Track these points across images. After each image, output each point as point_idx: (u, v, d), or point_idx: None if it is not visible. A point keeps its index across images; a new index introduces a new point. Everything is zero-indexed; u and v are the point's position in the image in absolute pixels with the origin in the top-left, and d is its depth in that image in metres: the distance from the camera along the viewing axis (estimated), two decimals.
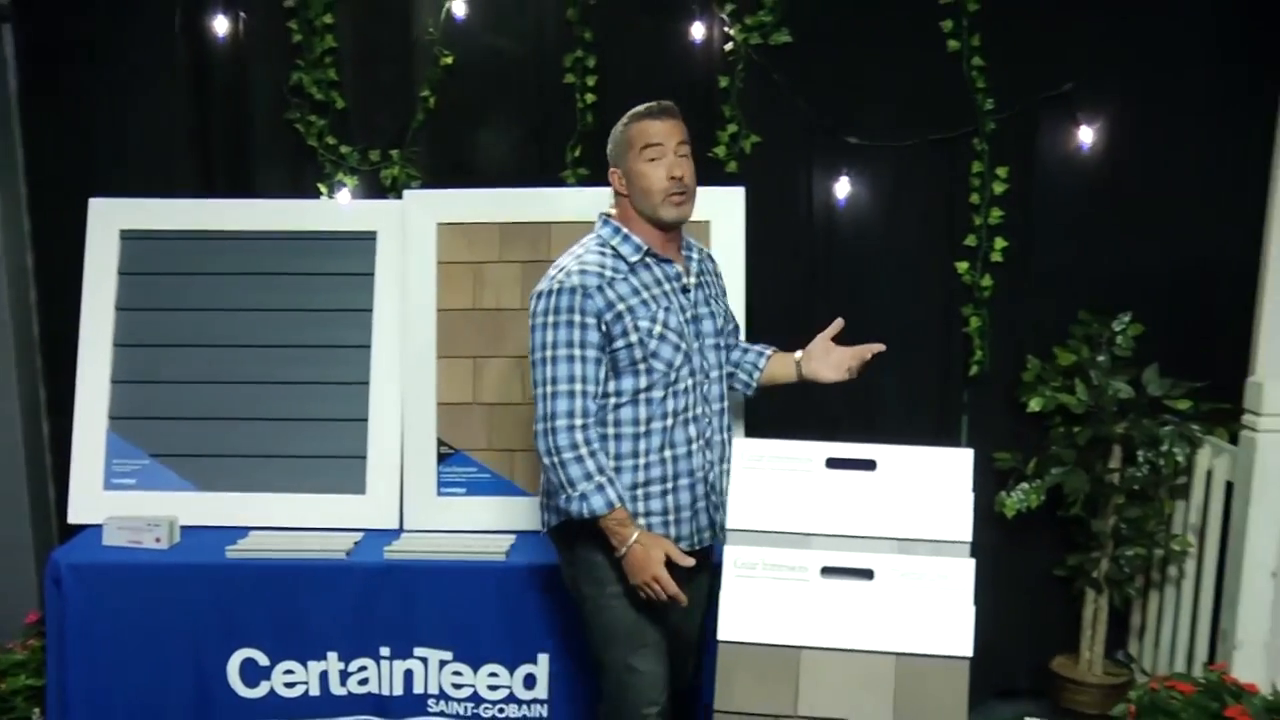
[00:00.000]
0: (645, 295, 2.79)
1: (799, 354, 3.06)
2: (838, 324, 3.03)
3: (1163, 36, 3.82)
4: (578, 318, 2.70)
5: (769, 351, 3.12)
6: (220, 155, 3.88)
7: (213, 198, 3.75)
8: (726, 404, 2.98)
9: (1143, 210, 3.93)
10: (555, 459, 2.70)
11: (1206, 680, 3.41)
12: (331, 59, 3.78)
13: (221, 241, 3.62)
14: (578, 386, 2.70)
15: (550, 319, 2.72)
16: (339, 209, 3.71)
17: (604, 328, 2.72)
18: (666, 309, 2.80)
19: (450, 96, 3.83)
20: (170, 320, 3.59)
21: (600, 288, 2.72)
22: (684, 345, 2.82)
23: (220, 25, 3.75)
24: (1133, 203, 3.93)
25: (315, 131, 3.78)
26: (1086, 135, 3.85)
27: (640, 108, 2.85)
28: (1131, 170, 3.91)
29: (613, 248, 2.81)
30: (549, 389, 2.71)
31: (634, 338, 2.73)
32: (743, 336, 3.29)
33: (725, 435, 2.93)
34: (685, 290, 2.89)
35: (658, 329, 2.76)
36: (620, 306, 2.73)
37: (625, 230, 2.84)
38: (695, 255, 2.98)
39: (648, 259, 2.82)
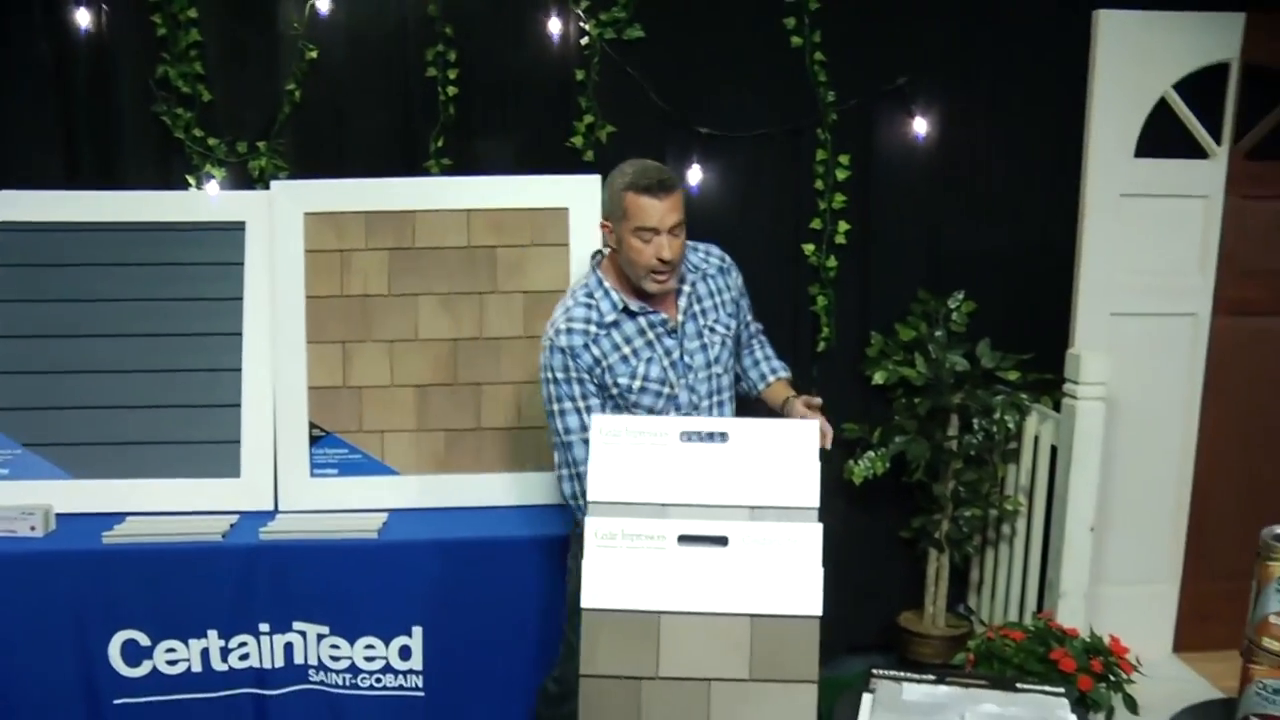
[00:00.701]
0: (625, 350, 2.90)
1: (789, 398, 3.07)
2: (817, 401, 2.98)
3: (987, 35, 4.02)
4: (574, 374, 2.85)
5: (772, 378, 3.21)
6: (87, 148, 3.83)
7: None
8: None
9: (973, 196, 4.14)
10: (585, 501, 2.83)
11: (1035, 627, 3.60)
12: (197, 53, 3.76)
13: (92, 233, 3.61)
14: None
15: (551, 375, 2.86)
16: (207, 200, 3.72)
17: (595, 380, 2.86)
18: (648, 360, 2.91)
19: (315, 90, 3.84)
20: (41, 311, 3.58)
21: (586, 345, 2.86)
22: (666, 389, 2.93)
23: (83, 18, 3.71)
24: (964, 189, 4.13)
25: (182, 124, 3.77)
26: (920, 126, 4.03)
27: (642, 175, 2.81)
28: (962, 158, 4.11)
29: (596, 301, 2.91)
30: (567, 438, 2.87)
31: (614, 391, 2.88)
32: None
33: None
34: (672, 332, 2.96)
35: (637, 384, 2.89)
36: (604, 363, 2.87)
37: (607, 285, 2.92)
38: (687, 287, 3.00)
39: (627, 313, 2.91)
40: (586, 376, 2.87)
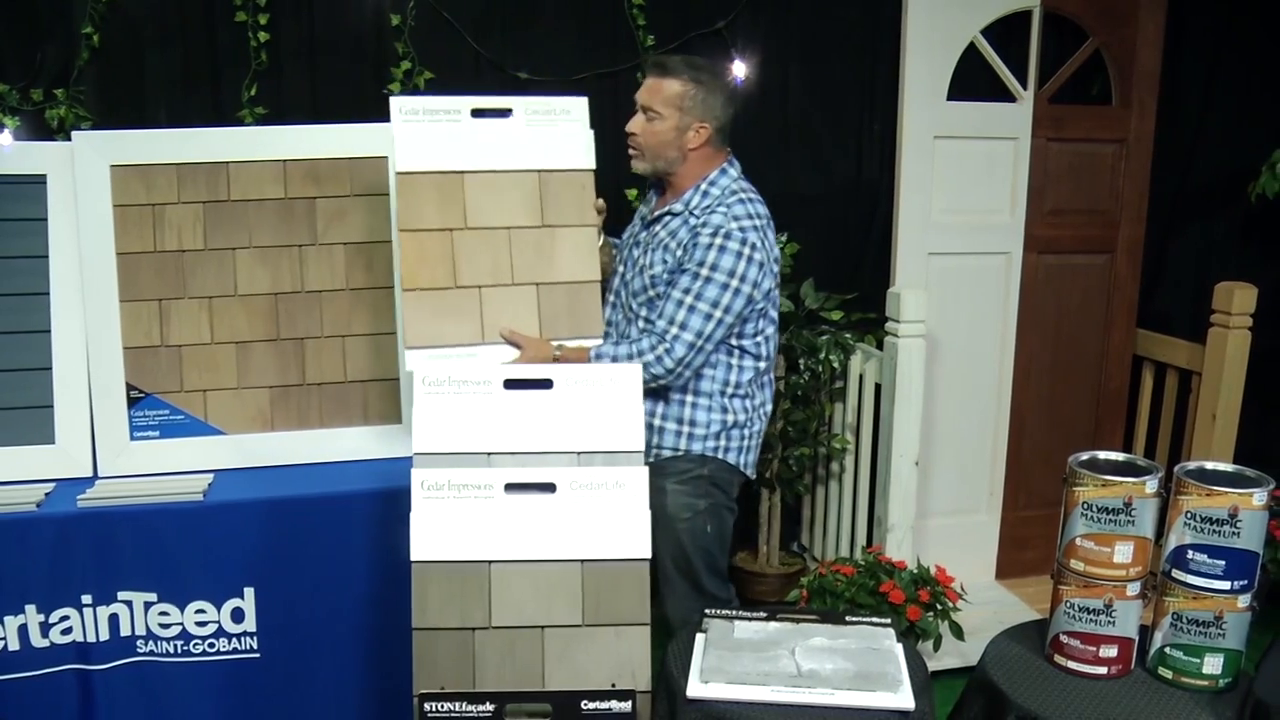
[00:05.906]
0: (639, 212, 3.39)
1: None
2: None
3: None
4: None
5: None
6: None
7: None
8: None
9: (794, 138, 4.21)
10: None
11: (865, 562, 3.73)
12: None
13: None
14: None
15: None
16: (1, 151, 3.55)
17: None
18: (631, 232, 3.34)
19: (117, 34, 3.68)
20: None
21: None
22: (618, 261, 3.31)
23: None
24: (785, 131, 4.20)
25: None
26: (740, 69, 4.07)
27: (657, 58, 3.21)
28: (783, 102, 4.18)
29: None
30: None
31: None
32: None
33: None
34: (646, 224, 3.27)
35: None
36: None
37: None
38: (672, 217, 3.15)
39: (651, 188, 3.37)
40: None
